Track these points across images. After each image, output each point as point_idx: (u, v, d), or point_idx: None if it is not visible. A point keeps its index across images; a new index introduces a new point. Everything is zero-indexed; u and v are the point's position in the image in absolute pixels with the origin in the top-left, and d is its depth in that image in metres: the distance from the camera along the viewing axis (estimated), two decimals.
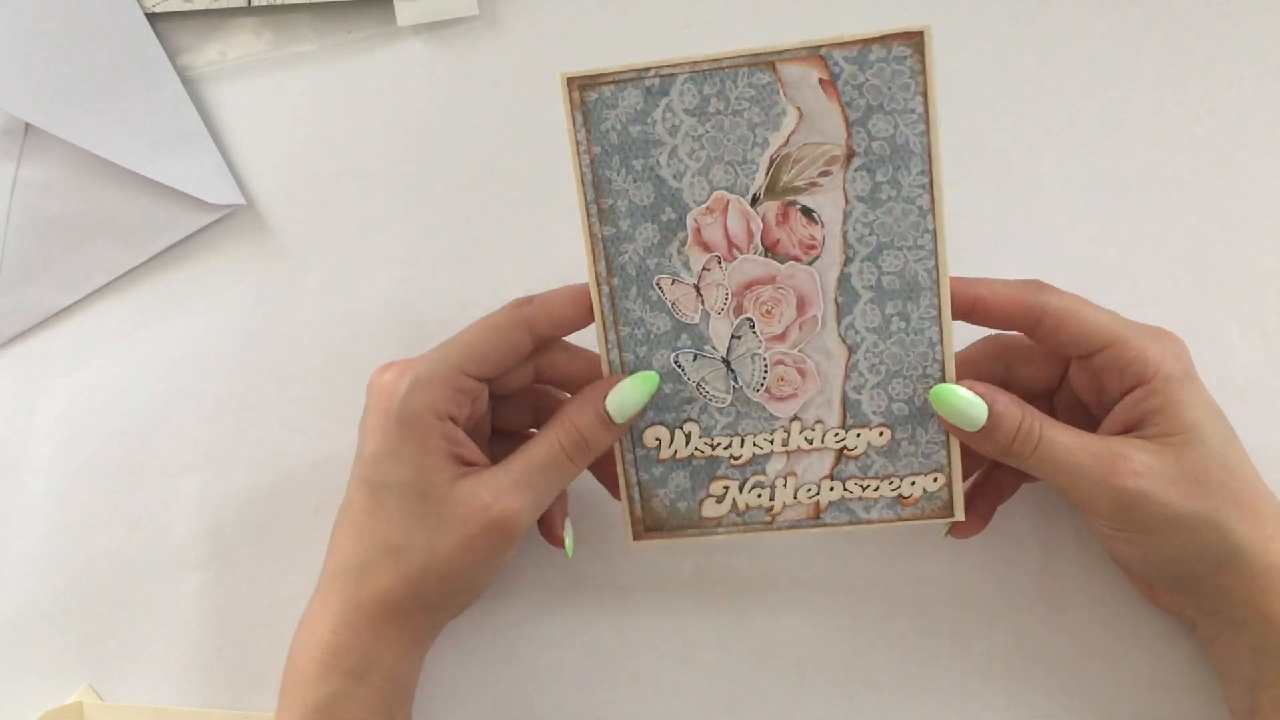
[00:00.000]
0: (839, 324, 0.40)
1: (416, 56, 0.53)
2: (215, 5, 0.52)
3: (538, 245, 0.51)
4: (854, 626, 0.46)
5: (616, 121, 0.39)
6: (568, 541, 0.44)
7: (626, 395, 0.40)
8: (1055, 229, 0.49)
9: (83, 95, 0.51)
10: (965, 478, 0.43)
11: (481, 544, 0.39)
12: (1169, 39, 0.51)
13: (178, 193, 0.51)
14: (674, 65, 0.38)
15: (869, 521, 0.42)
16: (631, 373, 0.41)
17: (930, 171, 0.38)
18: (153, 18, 0.52)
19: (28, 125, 0.51)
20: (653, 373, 0.41)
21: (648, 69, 0.38)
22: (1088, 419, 0.42)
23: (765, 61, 0.38)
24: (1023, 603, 0.46)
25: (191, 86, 0.52)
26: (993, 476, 0.44)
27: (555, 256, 0.51)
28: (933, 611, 0.46)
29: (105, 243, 0.51)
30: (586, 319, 0.41)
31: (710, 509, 0.42)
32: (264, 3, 0.52)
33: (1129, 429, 0.40)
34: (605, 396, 0.40)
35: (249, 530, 0.49)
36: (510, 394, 0.44)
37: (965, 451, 0.41)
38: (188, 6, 0.52)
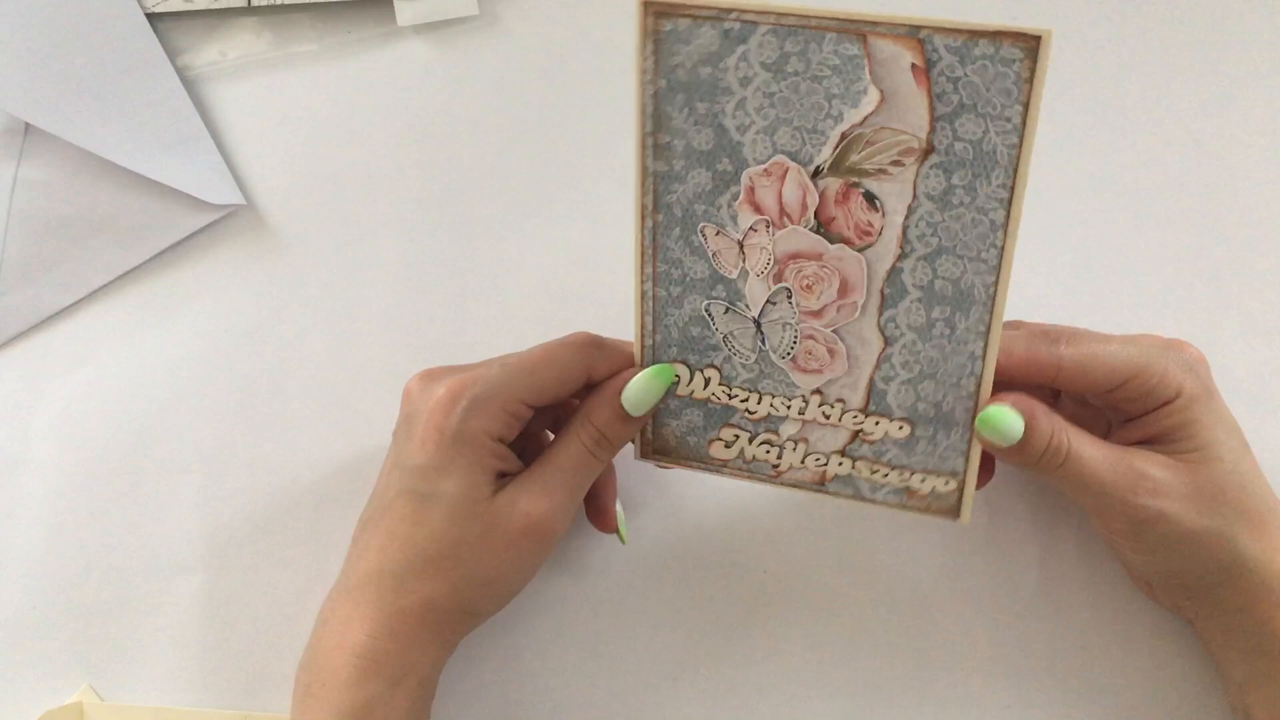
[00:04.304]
0: (880, 314, 0.38)
1: (416, 56, 0.53)
2: (215, 5, 0.52)
3: (538, 245, 0.51)
4: (854, 625, 0.46)
5: (687, 59, 0.36)
6: (621, 527, 0.45)
7: (642, 390, 0.41)
8: (1056, 230, 0.49)
9: (83, 95, 0.51)
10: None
11: (522, 549, 0.40)
12: (1169, 39, 0.51)
13: (178, 193, 0.51)
14: (758, 11, 0.35)
15: (872, 501, 0.41)
16: (663, 313, 0.40)
17: (1013, 186, 0.35)
18: (153, 18, 0.52)
19: (28, 125, 0.51)
20: (668, 365, 0.41)
21: (730, 10, 0.35)
22: (1095, 421, 0.42)
23: (856, 30, 0.34)
24: (1023, 601, 0.46)
25: (191, 86, 0.52)
26: None
27: (556, 256, 0.51)
28: (932, 610, 0.46)
29: (105, 243, 0.51)
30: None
31: (718, 450, 0.42)
32: (264, 3, 0.52)
33: (1146, 441, 0.40)
34: (621, 392, 0.41)
35: (249, 530, 0.49)
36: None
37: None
38: (188, 6, 0.52)
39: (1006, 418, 0.38)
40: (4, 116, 0.51)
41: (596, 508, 0.45)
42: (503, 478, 0.41)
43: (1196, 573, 0.40)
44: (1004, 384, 0.39)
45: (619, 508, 0.45)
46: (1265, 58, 0.51)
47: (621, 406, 0.41)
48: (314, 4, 0.52)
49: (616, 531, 0.45)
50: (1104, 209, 0.50)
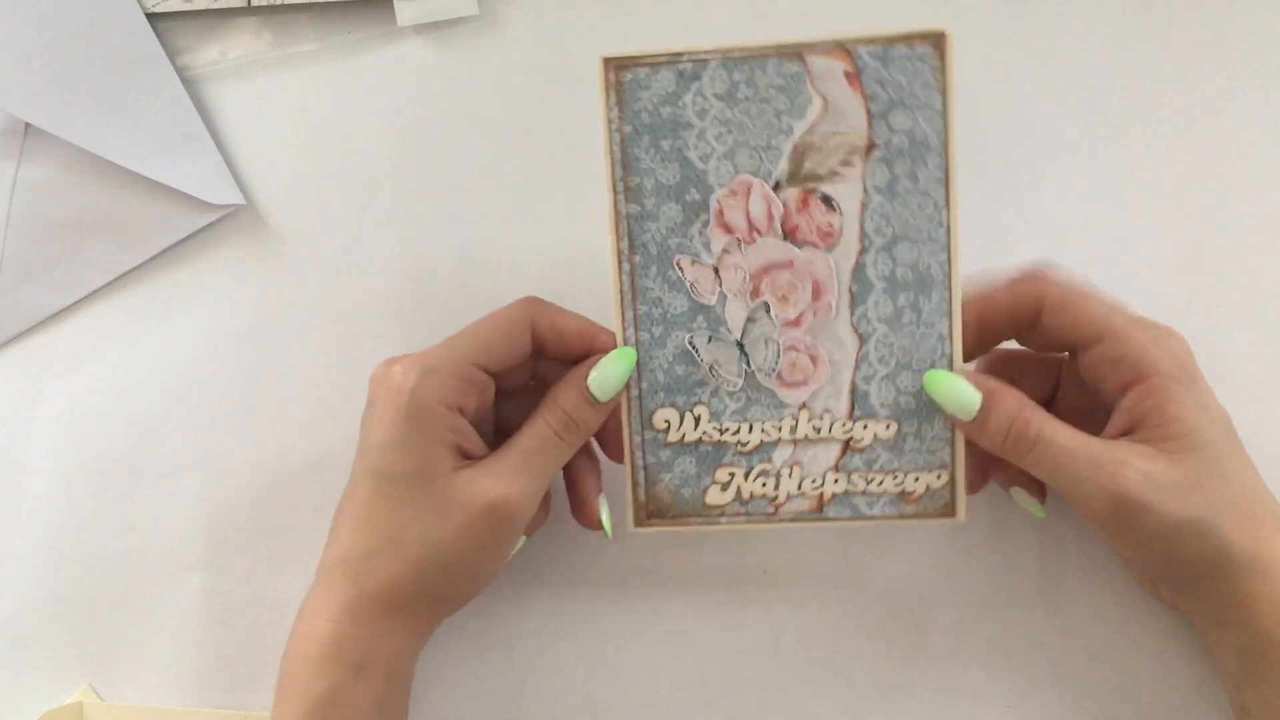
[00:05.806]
0: (852, 313, 0.41)
1: (416, 56, 0.53)
2: (215, 5, 0.52)
3: (537, 245, 0.51)
4: (854, 624, 0.46)
5: (649, 102, 0.40)
6: (605, 522, 0.44)
7: (606, 372, 0.41)
8: (1056, 229, 0.49)
9: (83, 95, 0.51)
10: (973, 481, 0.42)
11: (481, 530, 0.40)
12: (1169, 41, 0.51)
13: (178, 193, 0.51)
14: (707, 51, 0.40)
15: (871, 517, 0.42)
16: (647, 358, 0.42)
17: (946, 167, 0.40)
18: (153, 18, 0.52)
19: (28, 125, 0.51)
20: (630, 349, 0.42)
21: (681, 54, 0.40)
22: (1090, 424, 0.42)
23: (794, 52, 0.40)
24: (1023, 600, 0.46)
25: (191, 86, 0.52)
26: None
27: (555, 256, 0.51)
28: (933, 609, 0.46)
29: (105, 243, 0.51)
30: (586, 354, 0.42)
31: (714, 496, 0.43)
32: (264, 3, 0.52)
33: (1129, 430, 0.40)
34: (587, 375, 0.41)
35: (249, 530, 0.49)
36: (512, 391, 0.44)
37: (972, 451, 0.41)
38: (188, 6, 0.52)
39: (951, 380, 0.40)
40: (4, 116, 0.51)
41: (578, 501, 0.44)
42: (465, 457, 0.41)
43: (1183, 565, 0.39)
44: (992, 333, 0.41)
45: (603, 501, 0.45)
46: (1267, 56, 0.51)
47: (588, 389, 0.41)
48: (314, 4, 0.52)
49: (600, 526, 0.44)
50: (1103, 208, 0.50)
